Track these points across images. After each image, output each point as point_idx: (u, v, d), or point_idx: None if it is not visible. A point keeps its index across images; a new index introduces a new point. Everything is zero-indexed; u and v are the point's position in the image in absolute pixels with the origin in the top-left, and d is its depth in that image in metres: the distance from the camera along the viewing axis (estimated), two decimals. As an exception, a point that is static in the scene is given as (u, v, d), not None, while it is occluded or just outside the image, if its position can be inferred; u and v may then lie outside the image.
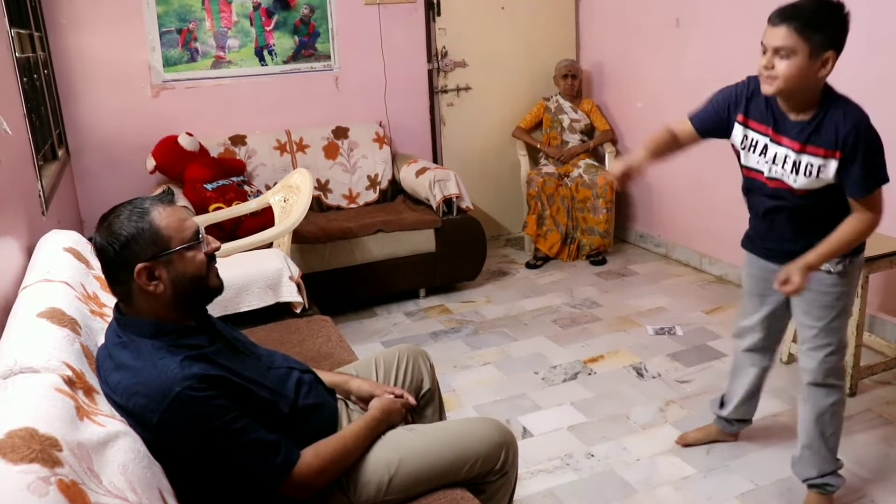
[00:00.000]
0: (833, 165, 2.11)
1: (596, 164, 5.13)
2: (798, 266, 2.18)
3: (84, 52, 4.31)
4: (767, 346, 2.67)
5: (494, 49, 5.34)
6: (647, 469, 2.78)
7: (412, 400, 2.07)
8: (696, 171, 4.75)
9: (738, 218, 4.42)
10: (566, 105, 5.23)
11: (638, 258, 5.16)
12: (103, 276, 1.72)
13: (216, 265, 1.78)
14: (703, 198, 4.73)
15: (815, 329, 2.36)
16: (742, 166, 2.38)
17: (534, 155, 5.37)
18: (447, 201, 4.42)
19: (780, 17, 2.01)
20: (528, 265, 5.04)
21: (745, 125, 2.30)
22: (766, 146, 2.24)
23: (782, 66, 2.02)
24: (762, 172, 2.28)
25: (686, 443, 2.91)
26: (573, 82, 5.19)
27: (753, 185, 2.37)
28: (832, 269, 2.27)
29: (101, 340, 1.79)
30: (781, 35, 2.00)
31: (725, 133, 2.38)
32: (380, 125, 5.00)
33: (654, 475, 2.74)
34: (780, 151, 2.20)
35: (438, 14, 5.11)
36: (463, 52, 5.27)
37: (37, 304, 1.79)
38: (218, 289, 1.79)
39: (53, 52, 4.24)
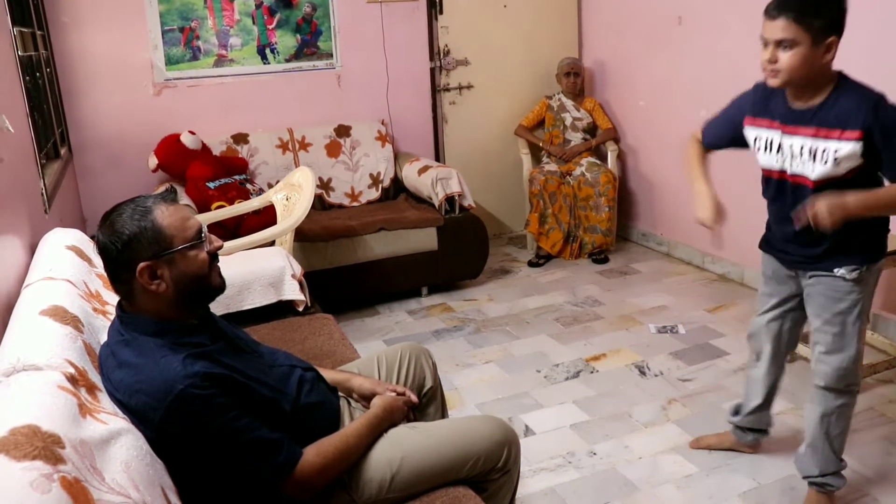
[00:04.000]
0: (848, 148, 2.04)
1: (598, 162, 5.13)
2: (833, 202, 2.03)
3: (86, 51, 4.31)
4: (778, 351, 2.61)
5: (496, 47, 5.33)
6: (650, 467, 2.78)
7: (414, 398, 2.07)
8: (699, 170, 4.74)
9: (741, 216, 4.43)
10: (568, 103, 5.23)
11: (640, 256, 5.15)
12: (105, 274, 1.72)
13: (218, 264, 1.78)
14: (705, 196, 4.72)
15: (830, 335, 2.32)
16: (762, 169, 2.35)
17: (536, 153, 5.37)
18: (449, 199, 4.42)
19: (777, 8, 2.01)
20: (531, 263, 5.04)
21: (753, 125, 2.30)
22: (779, 142, 2.21)
23: (786, 58, 2.02)
24: (781, 171, 2.25)
25: (700, 446, 2.87)
26: (575, 80, 5.19)
27: (772, 187, 2.33)
28: (847, 276, 2.22)
29: (104, 338, 1.79)
30: (781, 27, 2.00)
31: (742, 142, 2.37)
32: (382, 123, 5.00)
33: (657, 473, 2.74)
34: (796, 142, 2.16)
35: (440, 12, 5.11)
36: (465, 50, 5.27)
37: (39, 302, 1.80)
38: (220, 287, 1.79)
39: (56, 51, 4.24)
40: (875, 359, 3.35)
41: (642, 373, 3.49)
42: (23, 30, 3.32)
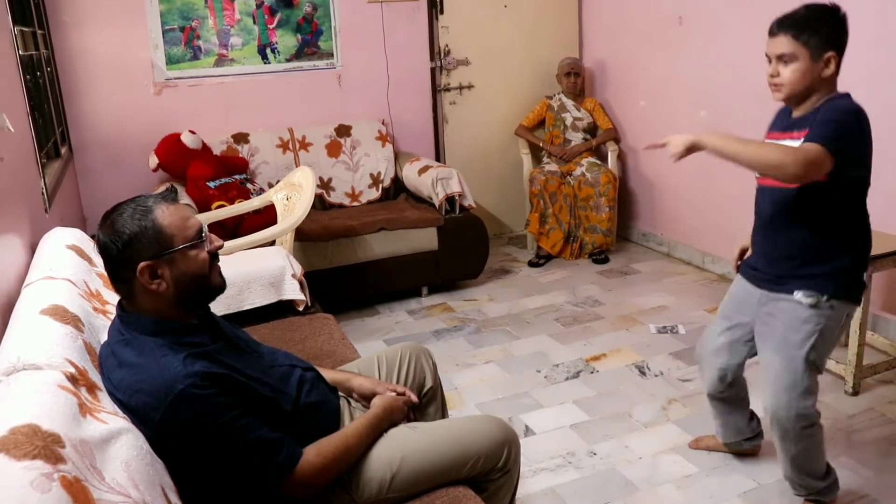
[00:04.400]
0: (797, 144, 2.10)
1: (598, 162, 5.13)
2: (690, 135, 2.10)
3: (87, 50, 4.31)
4: (726, 372, 2.54)
5: (497, 47, 5.34)
6: (650, 467, 2.78)
7: (414, 398, 2.07)
8: (699, 170, 4.74)
9: (740, 216, 4.43)
10: (569, 103, 5.23)
11: (640, 256, 5.15)
12: (106, 274, 1.72)
13: (219, 263, 1.78)
14: (705, 196, 4.73)
15: (780, 368, 2.24)
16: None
17: (536, 153, 5.37)
18: (449, 199, 4.42)
19: (778, 26, 2.12)
20: (531, 263, 5.04)
21: (768, 139, 2.34)
22: None
23: (787, 73, 2.12)
24: (765, 187, 2.32)
25: (699, 447, 2.87)
26: (576, 80, 5.19)
27: (758, 194, 2.37)
28: (802, 300, 2.20)
29: (104, 337, 1.79)
30: (781, 43, 2.11)
31: None
32: (382, 123, 5.00)
33: (657, 473, 2.74)
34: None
35: (441, 12, 5.11)
36: (465, 50, 5.27)
37: (39, 302, 1.80)
38: (220, 287, 1.79)
39: (56, 50, 4.24)
40: (875, 359, 3.34)
41: (642, 373, 3.49)
42: (23, 29, 3.32)
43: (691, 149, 2.09)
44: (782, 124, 2.28)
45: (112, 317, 1.79)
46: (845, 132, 2.05)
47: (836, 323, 2.24)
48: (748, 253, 2.53)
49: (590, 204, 4.97)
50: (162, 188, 4.12)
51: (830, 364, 3.29)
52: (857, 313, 3.14)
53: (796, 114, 2.21)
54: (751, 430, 2.73)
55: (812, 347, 2.21)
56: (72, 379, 1.47)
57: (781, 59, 2.12)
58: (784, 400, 2.25)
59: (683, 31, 4.67)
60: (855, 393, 3.19)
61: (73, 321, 1.74)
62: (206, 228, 1.74)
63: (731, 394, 2.61)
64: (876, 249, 3.08)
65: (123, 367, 1.61)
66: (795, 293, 2.22)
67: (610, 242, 5.06)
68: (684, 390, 3.32)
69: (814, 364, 2.24)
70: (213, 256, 1.75)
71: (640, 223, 5.42)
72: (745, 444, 2.75)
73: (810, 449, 2.33)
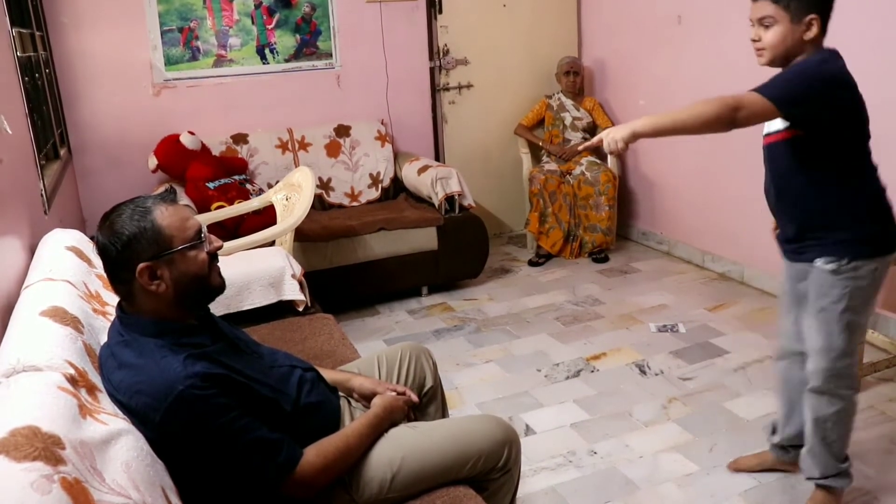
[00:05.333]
0: None
1: (598, 161, 5.12)
2: (622, 126, 2.06)
3: (86, 51, 4.31)
4: (803, 350, 2.41)
5: (496, 46, 5.33)
6: (650, 466, 2.78)
7: (414, 397, 2.07)
8: (699, 169, 4.75)
9: (740, 215, 4.44)
10: (568, 103, 5.23)
11: (640, 255, 5.15)
12: (105, 275, 1.72)
13: (218, 264, 1.78)
14: (704, 195, 4.73)
15: (815, 331, 2.27)
16: None
17: (536, 152, 5.37)
18: (449, 199, 4.42)
19: None
20: (531, 263, 5.04)
21: None
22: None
23: (768, 36, 2.11)
24: (764, 136, 2.29)
25: (738, 468, 2.72)
26: (575, 79, 5.19)
27: (764, 164, 2.34)
28: (824, 267, 2.19)
29: (104, 339, 1.79)
30: (760, 6, 2.12)
31: None
32: (381, 123, 5.00)
33: (657, 472, 2.74)
34: None
35: (440, 12, 5.11)
36: (464, 49, 5.27)
37: (39, 303, 1.79)
38: (220, 288, 1.79)
39: (55, 52, 4.24)
40: (875, 357, 3.35)
41: (643, 372, 3.49)
42: (22, 31, 3.32)
43: (629, 139, 2.03)
44: None
45: (112, 318, 1.79)
46: (799, 82, 2.03)
47: (865, 281, 2.20)
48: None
49: (589, 203, 4.97)
50: (161, 189, 4.13)
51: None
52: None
53: None
54: (801, 436, 2.54)
55: (845, 309, 2.20)
56: (72, 380, 1.47)
57: (762, 22, 2.12)
58: (821, 362, 2.26)
59: (683, 29, 4.67)
60: (855, 392, 3.18)
61: (73, 322, 1.74)
62: (205, 229, 1.74)
63: (797, 348, 2.46)
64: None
65: (123, 369, 1.61)
66: (816, 261, 2.21)
67: (610, 241, 5.06)
68: (685, 389, 3.32)
69: (849, 325, 2.22)
70: (213, 257, 1.75)
71: (639, 222, 5.42)
72: (790, 452, 2.62)
73: (842, 418, 2.32)
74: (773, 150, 2.24)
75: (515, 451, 1.97)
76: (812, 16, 2.06)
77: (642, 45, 5.05)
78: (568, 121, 5.21)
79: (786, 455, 2.64)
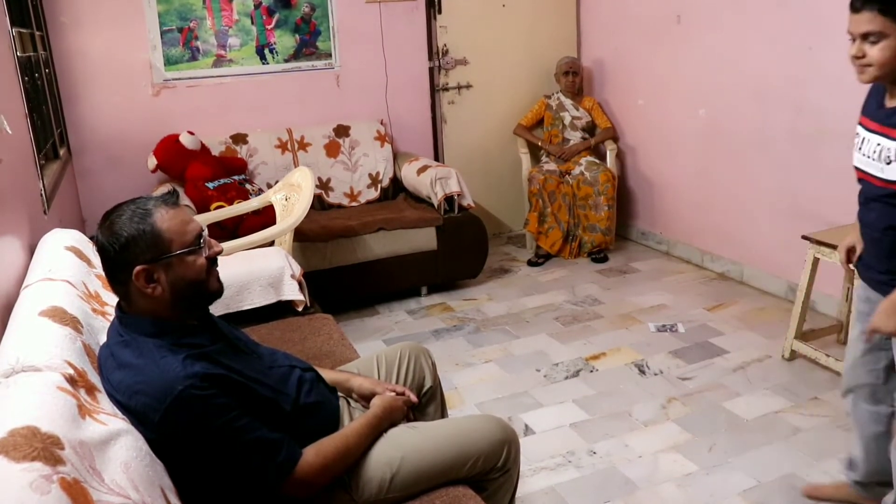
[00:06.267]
0: None
1: (597, 161, 5.12)
2: (888, 301, 1.88)
3: (85, 51, 4.31)
4: (874, 384, 2.25)
5: (495, 47, 5.33)
6: (650, 466, 2.78)
7: (414, 398, 2.07)
8: (697, 168, 4.75)
9: (739, 215, 4.45)
10: (567, 102, 5.23)
11: (639, 255, 5.15)
12: (104, 274, 1.72)
13: (217, 268, 1.77)
14: (704, 195, 4.73)
15: None
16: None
17: (535, 152, 5.37)
18: (448, 199, 4.42)
19: (862, 1, 1.86)
20: (530, 263, 5.04)
21: (860, 124, 2.10)
22: (865, 138, 2.03)
23: (874, 52, 1.86)
24: (861, 170, 2.05)
25: (812, 496, 2.54)
26: (574, 79, 5.19)
27: (860, 189, 2.11)
28: None
29: (103, 339, 1.79)
30: (866, 20, 1.85)
31: None
32: (381, 123, 5.00)
33: (657, 472, 2.74)
34: (874, 139, 1.98)
35: (439, 12, 5.11)
36: (464, 49, 5.27)
37: (38, 303, 1.80)
38: (218, 292, 1.78)
39: (55, 52, 4.24)
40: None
41: (642, 371, 3.49)
42: (22, 31, 3.32)
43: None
44: (878, 112, 2.00)
45: (111, 318, 1.79)
46: None
47: None
48: (858, 250, 2.22)
49: (589, 203, 4.97)
50: (161, 189, 4.13)
51: (830, 361, 3.29)
52: (844, 300, 3.14)
53: (891, 103, 1.96)
54: (883, 472, 2.33)
55: None
56: (71, 380, 1.47)
57: (867, 37, 1.86)
58: None
59: (682, 29, 4.67)
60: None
61: (72, 322, 1.74)
62: (206, 233, 1.74)
63: (872, 381, 2.27)
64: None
65: (123, 369, 1.61)
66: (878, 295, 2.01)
67: (609, 241, 5.06)
68: (684, 389, 3.32)
69: None
70: (212, 261, 1.74)
71: (639, 222, 5.42)
72: (874, 489, 2.41)
73: None
74: (885, 197, 1.99)
75: (514, 452, 1.97)
76: None
77: (641, 45, 5.05)
78: (567, 120, 5.21)
79: (867, 492, 2.43)
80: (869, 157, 1.99)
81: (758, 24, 4.10)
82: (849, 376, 2.34)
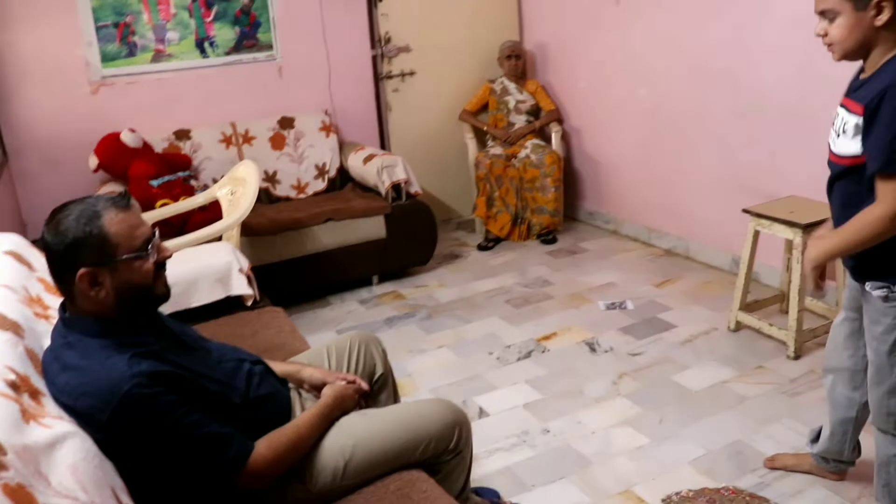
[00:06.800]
0: (851, 123, 1.88)
1: (543, 143, 5.17)
2: (814, 243, 2.00)
3: (17, 49, 4.20)
4: (853, 370, 2.26)
5: (437, 33, 5.33)
6: (602, 441, 2.84)
7: (365, 385, 2.09)
8: (641, 147, 4.82)
9: (681, 191, 4.53)
10: (511, 86, 5.26)
11: (588, 235, 5.22)
12: (49, 273, 1.69)
13: (165, 272, 1.76)
14: (648, 173, 4.81)
15: (871, 362, 2.07)
16: None
17: (481, 137, 5.39)
18: (396, 187, 4.42)
19: None
20: (480, 247, 5.07)
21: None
22: (836, 114, 2.00)
23: (833, 30, 1.86)
24: (830, 149, 2.03)
25: (774, 466, 2.61)
26: (517, 63, 5.22)
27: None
28: (872, 293, 1.98)
29: (47, 342, 1.77)
30: None
31: None
32: (325, 113, 4.98)
33: (609, 447, 2.80)
34: (840, 113, 1.97)
35: (380, -1, 5.10)
36: (406, 37, 5.26)
37: (-24, 310, 1.77)
38: (164, 296, 1.76)
39: (-15, 52, 4.13)
40: (815, 324, 3.44)
41: (593, 349, 3.55)
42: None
43: (816, 268, 2.03)
44: (851, 86, 1.99)
45: (55, 322, 1.77)
46: None
47: None
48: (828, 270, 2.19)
49: (536, 185, 5.01)
50: (105, 189, 4.07)
51: (773, 331, 3.39)
52: (796, 280, 3.23)
53: (864, 75, 1.93)
54: (839, 451, 2.42)
55: (894, 343, 2.00)
56: (13, 386, 1.46)
57: (825, 15, 1.86)
58: (873, 396, 2.09)
59: (621, 10, 4.72)
60: (797, 357, 3.29)
61: (13, 327, 1.72)
62: (156, 237, 1.72)
63: (849, 364, 2.28)
64: (808, 217, 3.18)
65: (68, 371, 1.60)
66: (866, 285, 2.00)
67: (557, 223, 5.12)
68: (634, 364, 3.38)
69: None
70: (160, 266, 1.73)
71: (586, 202, 5.49)
72: (830, 464, 2.47)
73: None
74: (842, 172, 1.97)
75: (465, 433, 2.00)
76: None
77: (582, 27, 5.10)
78: (512, 104, 5.24)
79: (825, 465, 2.49)
80: (834, 132, 1.99)
81: (694, 4, 4.17)
82: (830, 357, 2.35)
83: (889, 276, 1.94)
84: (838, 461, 2.45)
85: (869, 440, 2.29)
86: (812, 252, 2.02)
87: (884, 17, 1.79)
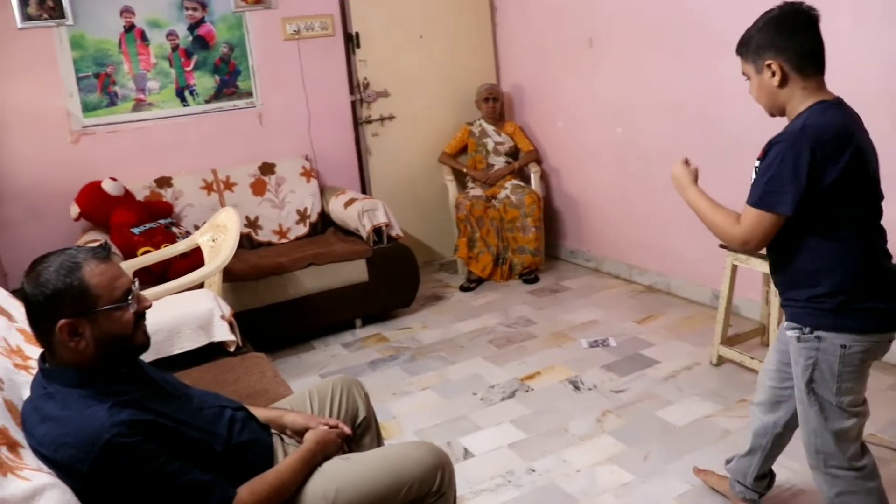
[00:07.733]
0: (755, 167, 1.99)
1: (522, 184, 5.22)
2: (684, 171, 2.19)
3: (-2, 102, 4.24)
4: (769, 396, 2.32)
5: (415, 77, 5.41)
6: (588, 479, 2.83)
7: (347, 430, 2.08)
8: (619, 185, 4.88)
9: (660, 228, 4.58)
10: (489, 128, 5.33)
11: (569, 273, 5.25)
12: (28, 325, 1.69)
13: (145, 322, 1.77)
14: (627, 211, 4.86)
15: (799, 400, 2.08)
16: None
17: (461, 179, 5.44)
18: (377, 230, 4.44)
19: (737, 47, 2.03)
20: (462, 288, 5.09)
21: None
22: None
23: (751, 91, 2.02)
24: None
25: (701, 478, 2.71)
26: (495, 105, 5.29)
27: None
28: (788, 331, 2.04)
29: (27, 393, 1.76)
30: (742, 64, 2.02)
31: None
32: (306, 159, 5.02)
33: (595, 485, 2.79)
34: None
35: (358, 46, 5.17)
36: (384, 82, 5.32)
37: (-44, 362, 1.76)
38: (144, 346, 1.77)
39: (-34, 104, 4.15)
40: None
41: (576, 387, 3.56)
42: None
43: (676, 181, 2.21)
44: None
45: (34, 373, 1.77)
46: (780, 180, 1.86)
47: (833, 357, 1.95)
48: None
49: (516, 225, 5.05)
50: (86, 237, 4.06)
51: (754, 364, 3.39)
52: (776, 312, 3.26)
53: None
54: (752, 481, 2.47)
55: (810, 382, 2.00)
56: (-8, 438, 1.45)
57: (746, 77, 2.01)
58: (802, 434, 2.12)
59: (594, 52, 4.81)
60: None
61: (-7, 379, 1.71)
62: (136, 288, 1.73)
63: (774, 425, 2.34)
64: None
65: (47, 422, 1.59)
66: (784, 323, 2.06)
67: (539, 262, 5.15)
68: (618, 401, 3.39)
69: (819, 403, 2.01)
70: (140, 315, 1.74)
71: (567, 241, 5.53)
72: (736, 487, 2.53)
73: (848, 500, 2.06)
74: None
75: (448, 475, 1.99)
76: (767, 61, 1.91)
77: (557, 69, 5.18)
78: (490, 146, 5.30)
79: (734, 489, 2.54)
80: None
81: (664, 44, 4.26)
82: (758, 385, 2.40)
83: (799, 314, 2.01)
84: (744, 486, 2.49)
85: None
86: (676, 174, 2.21)
87: (776, 80, 1.92)
